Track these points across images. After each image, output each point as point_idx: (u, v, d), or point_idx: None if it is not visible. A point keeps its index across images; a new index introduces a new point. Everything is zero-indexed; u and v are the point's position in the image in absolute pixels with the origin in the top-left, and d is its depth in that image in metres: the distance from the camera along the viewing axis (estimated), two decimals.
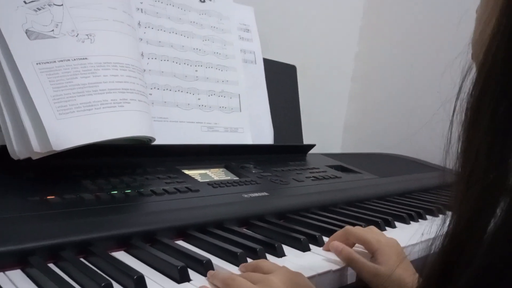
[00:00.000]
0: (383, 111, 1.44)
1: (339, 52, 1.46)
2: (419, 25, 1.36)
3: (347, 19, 1.48)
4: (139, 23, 0.79)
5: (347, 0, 1.46)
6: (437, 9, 1.32)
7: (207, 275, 0.45)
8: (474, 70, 0.32)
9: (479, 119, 0.30)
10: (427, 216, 0.79)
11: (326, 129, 1.45)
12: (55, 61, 0.59)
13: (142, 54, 0.78)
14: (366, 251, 0.57)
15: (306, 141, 1.06)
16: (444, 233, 0.32)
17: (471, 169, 0.30)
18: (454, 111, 0.33)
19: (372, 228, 0.62)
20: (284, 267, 0.46)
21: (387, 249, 0.55)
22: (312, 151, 1.04)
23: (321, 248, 0.58)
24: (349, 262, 0.54)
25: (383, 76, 1.46)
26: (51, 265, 0.44)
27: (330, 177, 0.89)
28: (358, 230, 0.58)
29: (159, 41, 0.81)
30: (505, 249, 0.27)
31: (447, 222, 0.32)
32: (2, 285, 0.39)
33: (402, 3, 1.42)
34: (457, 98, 0.33)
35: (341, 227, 0.63)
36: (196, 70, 0.85)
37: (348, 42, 1.50)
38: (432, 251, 0.34)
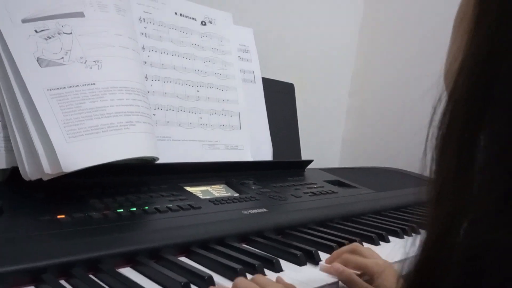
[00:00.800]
0: (380, 126, 1.47)
1: (336, 70, 1.50)
2: (414, 42, 1.40)
3: (344, 37, 1.52)
4: (143, 47, 0.82)
5: (343, 18, 1.50)
6: (432, 28, 1.36)
7: None
8: (444, 100, 0.36)
9: (447, 146, 0.33)
10: (421, 231, 0.81)
11: (325, 144, 1.49)
12: (64, 87, 0.63)
13: (146, 76, 0.81)
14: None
15: (306, 155, 1.10)
16: (416, 250, 0.35)
17: (439, 191, 0.33)
18: (427, 138, 0.36)
19: (369, 249, 0.64)
20: (278, 279, 0.49)
21: (386, 271, 0.58)
22: (311, 165, 1.08)
23: (318, 267, 0.60)
24: (349, 283, 0.57)
25: (379, 92, 1.49)
26: (63, 282, 0.47)
27: (327, 193, 0.92)
28: (356, 258, 0.60)
29: (162, 64, 0.85)
30: (466, 267, 0.30)
31: (419, 240, 0.35)
32: None
33: (397, 21, 1.46)
34: (429, 126, 0.36)
35: (337, 242, 0.67)
36: (197, 91, 0.89)
37: (344, 60, 1.54)
38: (406, 268, 0.37)
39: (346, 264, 0.59)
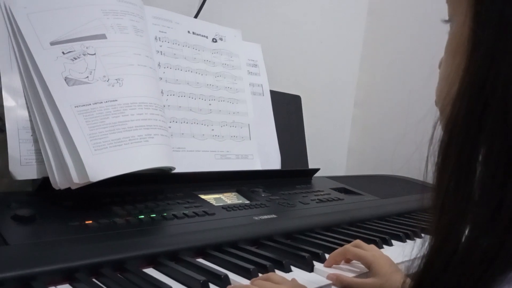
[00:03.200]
0: (384, 135, 1.52)
1: (341, 82, 1.55)
2: (416, 54, 1.45)
3: (348, 50, 1.57)
4: (159, 64, 0.88)
5: (347, 32, 1.55)
6: (436, 38, 1.40)
7: None
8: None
9: (447, 162, 0.37)
10: (423, 235, 0.86)
11: (331, 153, 1.53)
12: (90, 104, 0.68)
13: (162, 92, 0.87)
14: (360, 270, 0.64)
15: (313, 164, 1.14)
16: (422, 254, 0.40)
17: (442, 202, 0.38)
18: (428, 153, 0.41)
19: (371, 246, 0.69)
20: (292, 280, 0.54)
21: (381, 261, 0.63)
22: (318, 173, 1.12)
23: (323, 264, 0.65)
24: (346, 286, 0.61)
25: (383, 102, 1.54)
26: (94, 280, 0.52)
27: (334, 199, 0.97)
28: (354, 248, 0.65)
29: (177, 79, 0.90)
30: (463, 273, 0.34)
31: (425, 245, 0.40)
32: None
33: (399, 33, 1.51)
34: (430, 143, 0.40)
35: (343, 245, 0.71)
36: (209, 104, 0.94)
37: (349, 72, 1.59)
38: (413, 269, 0.41)
39: (345, 253, 0.64)
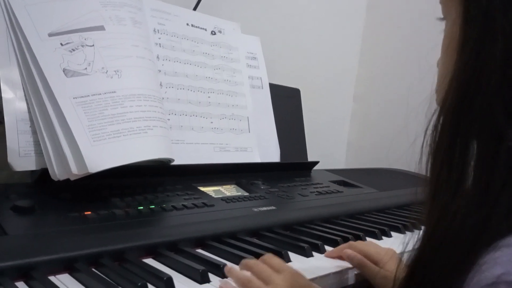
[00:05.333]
0: (383, 129, 1.52)
1: (340, 75, 1.55)
2: (415, 48, 1.44)
3: (347, 44, 1.57)
4: (157, 56, 0.88)
5: (346, 26, 1.55)
6: (435, 32, 1.40)
7: (225, 269, 0.53)
8: (436, 112, 0.41)
9: (440, 151, 0.38)
10: (422, 227, 0.86)
11: (330, 146, 1.53)
12: (88, 95, 0.68)
13: (160, 84, 0.87)
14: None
15: (312, 158, 1.14)
16: (415, 243, 0.41)
17: (435, 188, 0.38)
18: (423, 144, 0.41)
19: (371, 242, 0.69)
20: (288, 267, 0.54)
21: (387, 258, 0.63)
22: (317, 167, 1.12)
23: (323, 254, 0.65)
24: (361, 267, 0.62)
25: (382, 96, 1.54)
26: (94, 270, 0.52)
27: (333, 192, 0.97)
28: (359, 244, 0.65)
29: (176, 72, 0.90)
30: (453, 251, 0.35)
31: (419, 235, 0.40)
32: (58, 286, 0.47)
33: (398, 28, 1.51)
34: (424, 134, 0.41)
35: (342, 236, 0.71)
36: (208, 97, 0.94)
37: (348, 65, 1.59)
38: (408, 258, 0.42)
39: (350, 248, 0.64)
